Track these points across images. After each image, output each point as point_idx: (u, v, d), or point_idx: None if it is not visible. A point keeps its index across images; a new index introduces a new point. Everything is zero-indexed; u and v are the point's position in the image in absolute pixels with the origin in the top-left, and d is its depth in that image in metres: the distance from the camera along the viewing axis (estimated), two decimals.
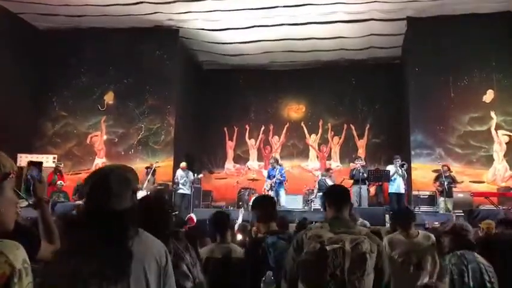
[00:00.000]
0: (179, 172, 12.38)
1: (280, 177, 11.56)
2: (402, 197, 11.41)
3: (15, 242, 1.35)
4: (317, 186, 12.06)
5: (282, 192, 11.73)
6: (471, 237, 3.45)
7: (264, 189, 12.38)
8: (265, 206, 3.40)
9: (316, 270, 2.33)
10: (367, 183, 11.77)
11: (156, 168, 12.55)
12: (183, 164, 12.47)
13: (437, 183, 11.25)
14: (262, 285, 2.51)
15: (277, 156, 15.70)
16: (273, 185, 11.56)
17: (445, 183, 10.80)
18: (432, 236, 4.30)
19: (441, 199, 11.06)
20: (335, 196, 2.78)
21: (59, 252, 1.81)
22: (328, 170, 12.75)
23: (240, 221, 6.73)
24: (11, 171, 1.44)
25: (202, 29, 14.51)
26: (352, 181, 11.74)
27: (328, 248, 2.34)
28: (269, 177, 11.90)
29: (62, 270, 1.62)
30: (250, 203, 3.64)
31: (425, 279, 4.06)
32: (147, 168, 12.61)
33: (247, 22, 13.88)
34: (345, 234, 2.44)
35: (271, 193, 11.49)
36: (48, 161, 13.57)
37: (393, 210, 6.56)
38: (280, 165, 12.15)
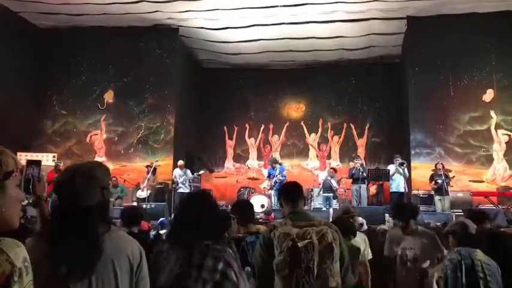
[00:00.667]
0: (177, 171, 12.33)
1: (280, 177, 11.56)
2: (403, 196, 11.40)
3: (16, 240, 1.34)
4: (321, 186, 12.05)
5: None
6: (471, 234, 3.47)
7: (264, 188, 12.39)
8: (244, 209, 3.73)
9: (292, 266, 2.52)
10: (366, 182, 11.78)
11: (156, 167, 12.55)
12: (181, 163, 12.43)
13: (433, 183, 11.23)
14: None
15: (276, 156, 15.78)
16: (272, 184, 11.56)
17: (442, 181, 10.78)
18: (430, 232, 4.30)
19: (437, 198, 11.04)
20: (290, 193, 3.00)
21: (37, 237, 1.82)
22: (333, 170, 12.73)
23: None
24: (15, 169, 1.43)
25: (202, 28, 14.51)
26: (351, 180, 11.76)
27: (300, 244, 2.54)
28: (269, 176, 11.90)
29: (35, 254, 1.60)
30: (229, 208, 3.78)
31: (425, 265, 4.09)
32: (147, 167, 12.63)
33: (247, 21, 13.87)
34: (309, 227, 2.65)
35: (272, 192, 11.50)
36: (48, 159, 13.57)
37: (395, 204, 6.54)
38: (280, 164, 12.16)
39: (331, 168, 13.17)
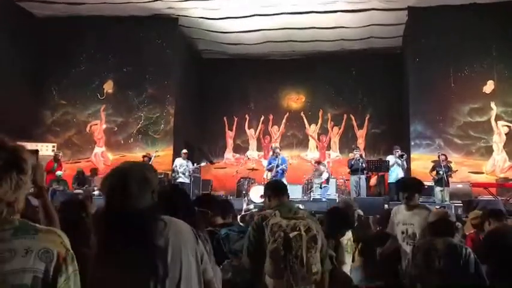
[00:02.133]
0: (179, 160, 12.27)
1: (284, 167, 11.58)
2: None
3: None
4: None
5: (284, 181, 11.75)
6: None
7: (264, 178, 12.40)
8: (221, 203, 3.99)
9: (284, 254, 2.89)
10: (365, 173, 11.79)
11: (154, 157, 12.50)
12: (185, 151, 12.37)
13: (434, 173, 11.24)
14: (221, 272, 2.81)
15: (277, 145, 15.80)
16: (274, 174, 11.56)
17: (443, 172, 10.79)
18: (428, 211, 4.30)
19: (438, 189, 11.05)
20: (276, 188, 3.44)
21: (95, 256, 1.79)
22: (318, 163, 12.83)
23: (244, 210, 6.74)
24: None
25: (202, 18, 14.43)
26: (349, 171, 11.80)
27: (291, 235, 2.91)
28: (269, 165, 11.88)
29: (103, 274, 1.68)
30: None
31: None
32: (144, 157, 12.56)
33: (247, 11, 13.80)
34: (296, 220, 3.01)
35: None
36: (47, 149, 13.58)
37: (400, 179, 6.56)
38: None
39: (316, 162, 13.13)
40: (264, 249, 2.96)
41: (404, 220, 4.24)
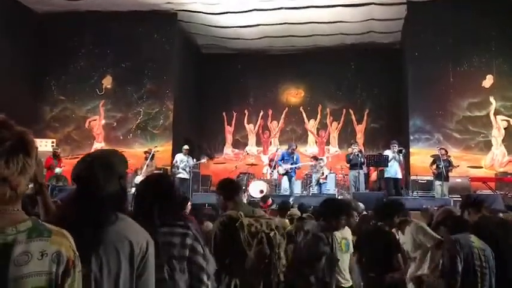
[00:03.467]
0: (180, 156, 12.27)
1: (299, 166, 11.82)
2: (399, 182, 11.44)
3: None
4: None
5: (293, 179, 11.87)
6: (462, 219, 3.51)
7: (264, 173, 12.45)
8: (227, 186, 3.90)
9: (269, 252, 3.03)
10: (364, 168, 11.80)
11: (155, 153, 12.53)
12: (186, 147, 12.37)
13: (434, 167, 11.26)
14: None
15: (276, 142, 15.89)
16: (289, 170, 11.59)
17: (443, 167, 10.80)
18: (415, 222, 4.28)
19: (437, 183, 11.06)
20: (234, 188, 3.43)
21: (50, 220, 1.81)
22: (314, 158, 12.89)
23: None
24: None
25: (201, 13, 14.38)
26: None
27: (271, 235, 3.07)
28: (282, 159, 11.86)
29: None
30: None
31: (417, 271, 4.09)
32: (145, 152, 12.60)
33: (246, 5, 13.76)
34: (263, 219, 3.16)
35: (286, 178, 11.55)
36: (47, 145, 13.58)
37: (373, 209, 6.40)
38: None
39: (312, 157, 13.14)
40: (228, 249, 3.03)
41: (401, 239, 4.29)
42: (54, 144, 13.75)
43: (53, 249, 1.30)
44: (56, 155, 12.52)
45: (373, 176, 13.50)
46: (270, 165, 12.91)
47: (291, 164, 11.68)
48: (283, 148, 14.94)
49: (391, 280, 4.07)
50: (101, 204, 1.76)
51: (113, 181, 1.83)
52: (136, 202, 2.39)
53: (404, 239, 4.20)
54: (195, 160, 12.73)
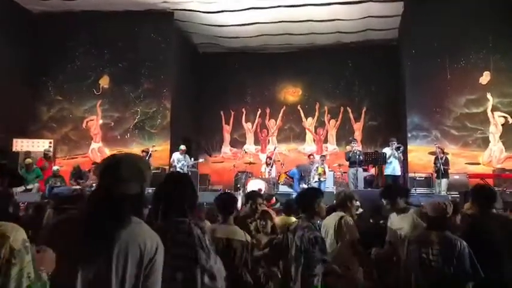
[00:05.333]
0: (176, 155, 12.29)
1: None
2: (398, 179, 11.45)
3: (14, 224, 1.47)
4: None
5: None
6: (447, 215, 3.53)
7: (262, 172, 12.45)
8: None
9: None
10: (363, 165, 11.80)
11: (152, 153, 12.52)
12: (183, 147, 12.38)
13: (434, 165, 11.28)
14: None
15: (274, 140, 15.93)
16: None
17: (440, 164, 10.82)
18: (415, 209, 4.32)
19: (437, 181, 11.09)
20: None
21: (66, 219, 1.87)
22: (311, 156, 12.92)
23: (239, 204, 6.74)
24: None
25: (198, 11, 14.35)
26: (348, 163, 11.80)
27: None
28: (298, 180, 11.90)
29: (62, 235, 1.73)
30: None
31: None
32: (143, 152, 12.57)
33: (242, 4, 13.74)
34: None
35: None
36: (44, 145, 13.56)
37: (384, 186, 6.58)
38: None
39: (310, 155, 13.14)
40: None
41: (396, 224, 4.32)
42: (52, 145, 13.74)
43: None
44: (47, 156, 12.51)
45: (372, 173, 13.49)
46: (267, 164, 12.89)
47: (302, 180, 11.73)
48: (282, 148, 14.98)
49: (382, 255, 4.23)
50: (120, 206, 1.78)
51: (136, 185, 1.85)
52: (153, 199, 2.52)
53: (402, 223, 4.25)
54: (193, 159, 12.73)
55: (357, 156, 11.36)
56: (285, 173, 12.54)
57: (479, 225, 3.77)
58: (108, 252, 1.73)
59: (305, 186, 11.53)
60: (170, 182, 2.60)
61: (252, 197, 4.75)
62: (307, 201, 3.82)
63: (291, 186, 11.86)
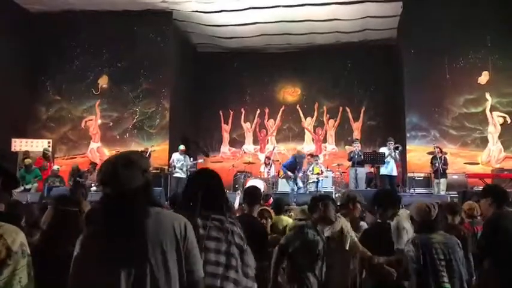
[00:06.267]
0: (176, 155, 12.26)
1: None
2: (394, 179, 11.44)
3: (15, 226, 1.48)
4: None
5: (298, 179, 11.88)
6: (432, 217, 3.45)
7: (261, 172, 12.43)
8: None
9: None
10: (364, 165, 11.80)
11: (151, 152, 12.52)
12: (182, 147, 12.37)
13: (432, 165, 11.28)
14: None
15: (272, 140, 15.93)
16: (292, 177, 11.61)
17: (438, 164, 10.83)
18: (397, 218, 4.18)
19: (436, 181, 11.10)
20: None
21: (85, 238, 1.87)
22: (311, 155, 12.89)
23: (237, 203, 6.76)
24: None
25: (197, 11, 14.35)
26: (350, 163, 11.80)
27: None
28: (291, 169, 11.76)
29: (89, 256, 1.75)
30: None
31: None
32: (142, 152, 12.58)
33: (241, 4, 13.74)
34: None
35: (291, 182, 11.52)
36: (43, 145, 13.54)
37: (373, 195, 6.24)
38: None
39: (309, 154, 13.13)
40: None
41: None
42: (51, 145, 13.72)
43: None
44: (46, 156, 12.51)
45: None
46: (266, 164, 12.89)
47: (297, 170, 11.59)
48: (281, 147, 14.97)
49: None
50: (133, 200, 1.81)
51: (137, 176, 1.87)
52: (183, 193, 2.64)
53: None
54: (192, 159, 12.73)
55: (356, 156, 11.37)
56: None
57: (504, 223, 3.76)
58: (143, 248, 1.76)
59: (301, 174, 11.58)
60: (205, 178, 2.63)
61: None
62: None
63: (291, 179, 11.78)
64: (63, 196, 3.37)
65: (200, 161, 13.47)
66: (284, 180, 11.86)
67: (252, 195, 3.91)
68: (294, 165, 11.49)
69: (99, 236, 1.79)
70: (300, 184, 11.49)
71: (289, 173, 11.28)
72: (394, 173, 11.34)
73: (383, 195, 4.35)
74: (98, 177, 1.92)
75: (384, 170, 11.36)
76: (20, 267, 1.41)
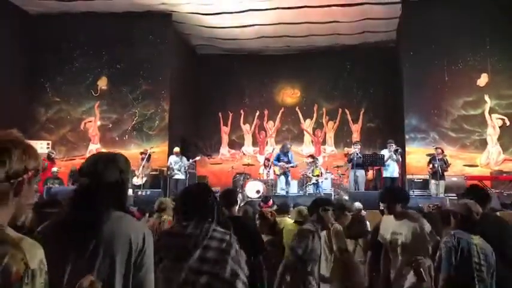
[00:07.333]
0: (173, 158, 12.30)
1: (294, 165, 11.86)
2: (396, 181, 11.45)
3: (36, 242, 1.37)
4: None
5: (289, 178, 11.89)
6: (473, 218, 3.42)
7: (260, 174, 12.40)
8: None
9: None
10: (364, 167, 11.80)
11: (151, 154, 12.53)
12: (176, 149, 12.42)
13: (430, 166, 11.27)
14: None
15: (272, 142, 15.89)
16: (286, 170, 11.67)
17: (438, 166, 10.83)
18: (417, 223, 4.11)
19: (433, 182, 11.09)
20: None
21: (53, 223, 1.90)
22: (311, 156, 12.91)
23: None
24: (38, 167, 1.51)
25: (196, 13, 14.36)
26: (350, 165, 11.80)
27: None
28: (278, 160, 11.85)
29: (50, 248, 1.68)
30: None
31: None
32: (141, 154, 12.59)
33: (240, 6, 13.74)
34: None
35: (283, 178, 11.59)
36: (42, 147, 13.51)
37: (383, 188, 6.36)
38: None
39: (309, 156, 13.14)
40: None
41: (393, 229, 4.07)
42: (50, 146, 13.70)
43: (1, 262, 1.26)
44: (50, 158, 12.49)
45: (369, 175, 13.49)
46: (265, 165, 12.89)
47: (286, 162, 11.69)
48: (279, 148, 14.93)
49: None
50: (97, 201, 1.80)
51: (114, 173, 1.90)
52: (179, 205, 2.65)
53: (401, 229, 4.01)
54: (190, 160, 12.72)
55: (355, 159, 11.36)
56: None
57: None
58: (92, 246, 1.74)
59: (284, 165, 11.66)
60: (196, 191, 2.63)
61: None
62: None
63: (285, 174, 11.81)
64: (41, 199, 3.39)
65: (197, 158, 13.44)
66: (284, 181, 11.86)
67: (227, 197, 3.86)
68: (282, 157, 11.72)
69: (58, 228, 1.81)
70: (291, 182, 11.71)
71: (282, 163, 11.57)
72: (396, 175, 11.37)
73: (389, 192, 4.41)
74: (78, 169, 1.96)
75: (385, 173, 11.41)
76: (38, 285, 1.31)
